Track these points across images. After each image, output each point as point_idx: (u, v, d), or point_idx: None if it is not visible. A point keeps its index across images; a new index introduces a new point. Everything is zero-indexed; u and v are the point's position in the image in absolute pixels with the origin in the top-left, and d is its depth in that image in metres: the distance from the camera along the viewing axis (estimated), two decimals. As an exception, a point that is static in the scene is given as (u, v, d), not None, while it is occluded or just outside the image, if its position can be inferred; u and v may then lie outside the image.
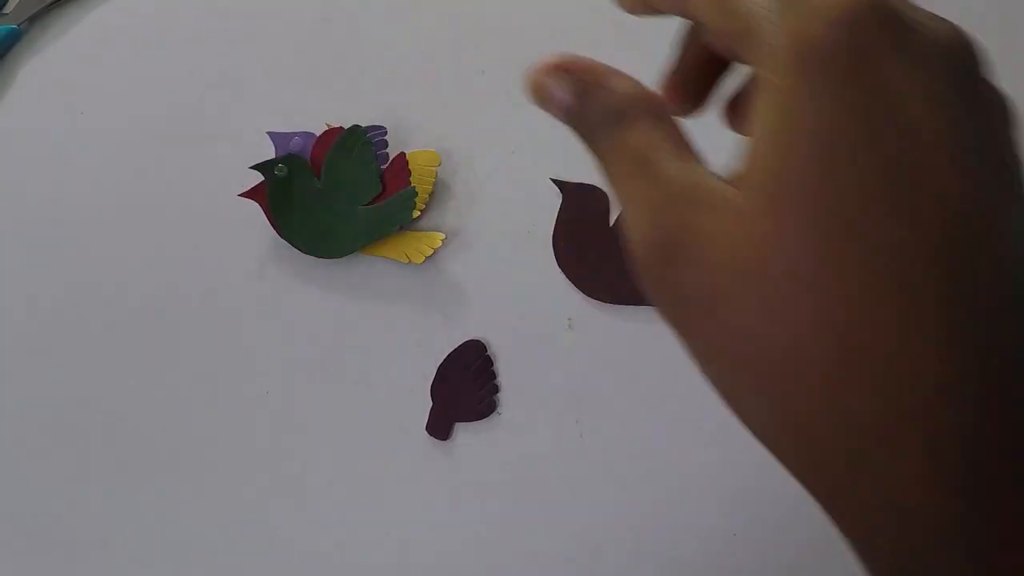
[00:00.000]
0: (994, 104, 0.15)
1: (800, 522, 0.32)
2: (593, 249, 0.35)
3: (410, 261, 0.35)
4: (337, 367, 0.35)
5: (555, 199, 0.36)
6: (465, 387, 0.34)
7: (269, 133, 0.37)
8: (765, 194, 0.14)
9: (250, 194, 0.36)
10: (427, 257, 0.35)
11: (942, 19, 0.15)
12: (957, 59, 0.14)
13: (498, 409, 0.34)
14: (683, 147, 0.16)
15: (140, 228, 0.38)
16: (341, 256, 0.36)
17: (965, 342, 0.13)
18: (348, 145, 0.37)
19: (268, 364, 0.36)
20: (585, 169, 0.36)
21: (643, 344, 0.34)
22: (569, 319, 0.35)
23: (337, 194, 0.36)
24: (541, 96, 0.18)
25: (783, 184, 0.14)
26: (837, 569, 0.31)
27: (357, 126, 0.37)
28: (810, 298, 0.14)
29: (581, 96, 0.17)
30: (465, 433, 0.34)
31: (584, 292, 0.35)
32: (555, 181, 0.36)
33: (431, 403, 0.34)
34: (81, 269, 0.37)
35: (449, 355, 0.35)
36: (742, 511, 0.32)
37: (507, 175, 0.36)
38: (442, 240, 0.35)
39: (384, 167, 0.37)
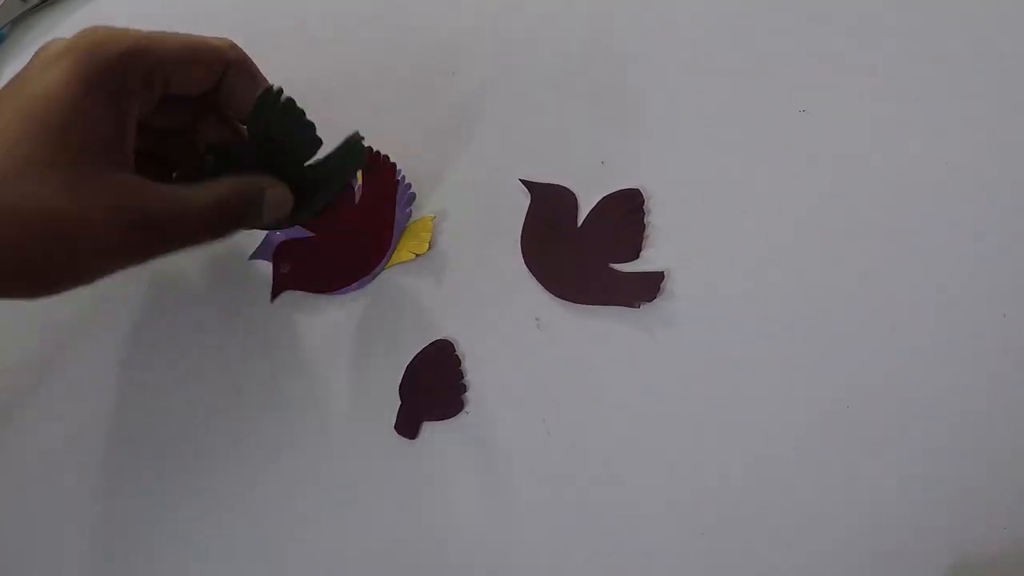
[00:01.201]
0: None
1: (770, 521, 0.32)
2: (561, 249, 0.35)
3: (417, 256, 0.36)
4: (305, 367, 0.36)
5: (523, 199, 0.36)
6: (433, 387, 0.34)
7: None
8: None
9: None
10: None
11: None
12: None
13: (466, 408, 0.34)
14: None
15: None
16: (301, 221, 0.35)
17: None
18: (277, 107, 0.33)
19: (237, 364, 0.36)
20: (554, 170, 0.36)
21: (610, 343, 0.34)
22: (537, 319, 0.35)
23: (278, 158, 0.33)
24: None
25: None
26: (806, 560, 0.31)
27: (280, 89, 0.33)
28: None
29: None
30: (433, 432, 0.34)
31: (552, 292, 0.35)
32: (523, 182, 0.36)
33: (399, 402, 0.35)
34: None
35: (417, 355, 0.35)
36: (708, 508, 0.32)
37: (475, 176, 0.37)
38: (433, 219, 0.36)
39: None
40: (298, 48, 0.40)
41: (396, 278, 0.36)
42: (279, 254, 0.36)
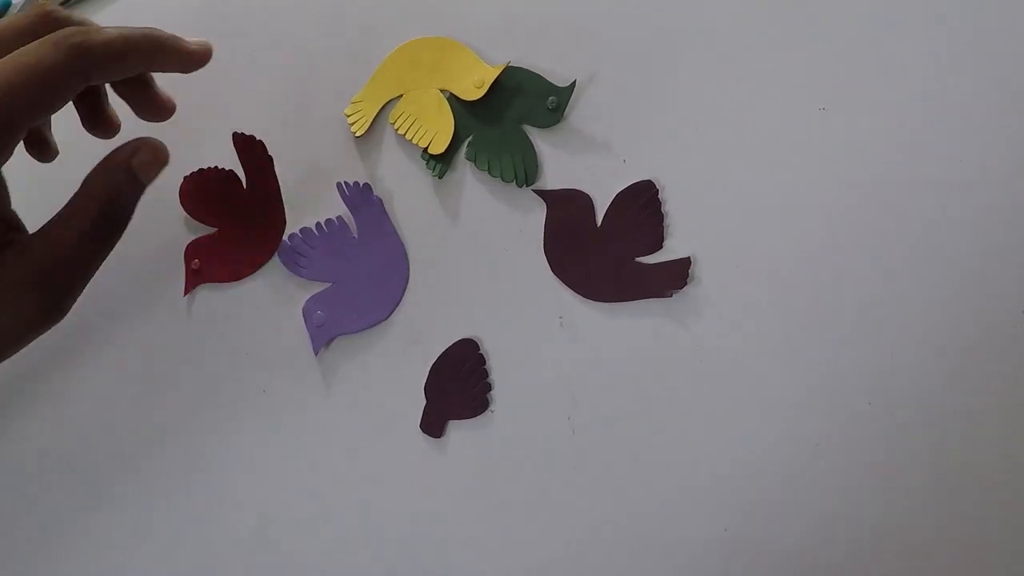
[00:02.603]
0: None
1: (794, 517, 0.32)
2: (586, 251, 0.35)
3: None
4: (332, 366, 0.36)
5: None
6: (458, 385, 0.35)
7: None
8: None
9: None
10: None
11: None
12: None
13: (491, 406, 0.35)
14: None
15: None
16: None
17: None
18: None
19: (264, 364, 0.37)
20: (570, 176, 0.36)
21: (633, 340, 0.34)
22: (560, 317, 0.35)
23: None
24: None
25: None
26: (831, 565, 0.32)
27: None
28: None
29: None
30: (458, 430, 0.35)
31: (583, 295, 0.35)
32: (536, 191, 0.36)
33: (425, 401, 0.35)
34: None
35: (442, 354, 0.35)
36: (733, 506, 0.33)
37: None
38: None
39: None
40: (317, 64, 0.41)
41: (418, 280, 0.36)
42: (188, 253, 0.38)
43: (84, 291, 0.31)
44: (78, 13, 0.31)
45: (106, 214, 0.30)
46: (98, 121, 0.35)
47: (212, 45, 0.33)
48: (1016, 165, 0.33)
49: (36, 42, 0.27)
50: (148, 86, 0.34)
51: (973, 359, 0.32)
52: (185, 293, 0.38)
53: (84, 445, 0.38)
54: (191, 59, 0.33)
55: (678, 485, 0.33)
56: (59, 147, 0.36)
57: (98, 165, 0.31)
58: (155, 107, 0.35)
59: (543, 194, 0.36)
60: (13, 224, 0.31)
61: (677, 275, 0.34)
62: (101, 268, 0.31)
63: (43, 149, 0.35)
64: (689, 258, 0.34)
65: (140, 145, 0.31)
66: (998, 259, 0.32)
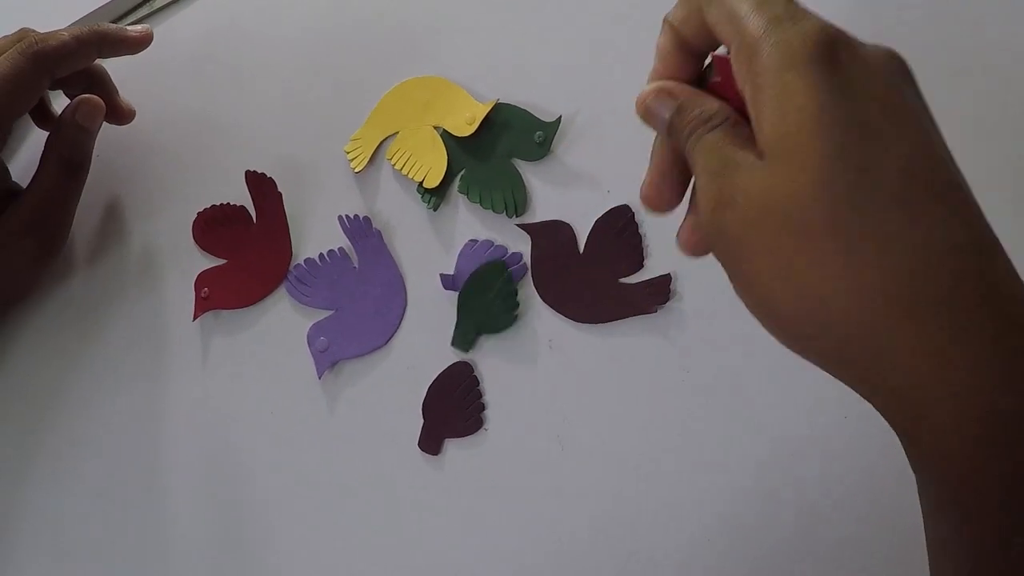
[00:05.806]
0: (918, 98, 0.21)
1: (777, 526, 0.33)
2: (568, 276, 0.37)
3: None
4: (335, 388, 0.38)
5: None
6: (453, 405, 0.37)
7: None
8: (773, 155, 0.20)
9: None
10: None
11: (879, 45, 0.21)
12: (893, 63, 0.21)
13: (484, 425, 0.37)
14: (738, 136, 0.22)
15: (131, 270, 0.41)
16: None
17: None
18: None
19: (271, 387, 0.39)
20: (557, 206, 0.38)
21: (619, 357, 0.36)
22: (550, 340, 0.37)
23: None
24: (646, 113, 0.25)
25: (784, 143, 0.20)
26: (813, 573, 0.33)
27: None
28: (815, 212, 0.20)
29: (678, 112, 0.23)
30: (454, 448, 0.37)
31: (571, 318, 0.37)
32: (520, 226, 0.38)
33: (423, 421, 0.37)
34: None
35: (438, 376, 0.37)
36: (718, 517, 0.34)
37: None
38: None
39: None
40: (313, 91, 0.43)
41: (414, 307, 0.39)
42: (198, 283, 0.41)
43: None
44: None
45: (69, 161, 0.39)
46: (113, 111, 0.42)
47: (151, 30, 0.41)
48: None
49: (6, 54, 0.36)
50: (112, 95, 0.42)
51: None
52: (194, 318, 0.40)
53: (100, 466, 0.40)
54: (134, 43, 0.40)
55: (664, 496, 0.34)
56: None
57: (53, 127, 0.39)
58: (118, 113, 0.42)
59: (527, 228, 0.38)
60: (14, 191, 0.40)
61: (660, 291, 0.36)
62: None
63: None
64: (670, 274, 0.36)
65: (79, 103, 0.39)
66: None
